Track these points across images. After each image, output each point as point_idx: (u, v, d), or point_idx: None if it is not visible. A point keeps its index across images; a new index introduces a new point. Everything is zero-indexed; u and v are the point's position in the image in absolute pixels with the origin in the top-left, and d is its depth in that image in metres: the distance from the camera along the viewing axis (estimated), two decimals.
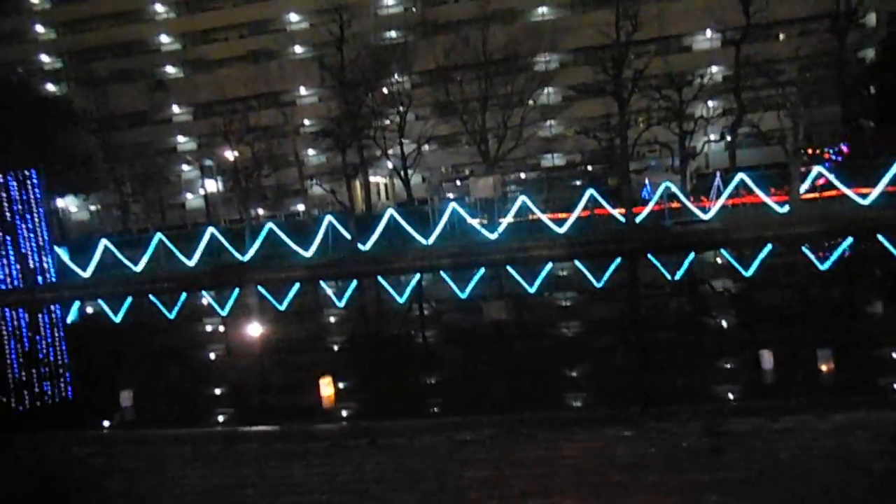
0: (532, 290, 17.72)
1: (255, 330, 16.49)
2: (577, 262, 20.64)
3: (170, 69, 61.62)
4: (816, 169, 24.03)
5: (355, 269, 23.25)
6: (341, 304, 19.21)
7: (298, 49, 61.08)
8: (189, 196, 62.29)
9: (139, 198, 54.00)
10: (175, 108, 61.79)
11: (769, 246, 19.51)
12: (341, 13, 47.34)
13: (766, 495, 4.87)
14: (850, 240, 19.41)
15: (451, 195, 57.46)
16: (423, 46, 48.87)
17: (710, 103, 47.05)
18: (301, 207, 60.75)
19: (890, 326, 10.79)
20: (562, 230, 24.52)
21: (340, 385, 9.69)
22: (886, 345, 9.43)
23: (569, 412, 7.73)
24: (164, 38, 61.67)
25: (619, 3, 45.72)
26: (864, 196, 22.76)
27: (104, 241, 27.82)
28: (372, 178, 56.33)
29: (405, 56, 47.95)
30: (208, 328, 17.84)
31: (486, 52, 38.52)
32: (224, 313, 19.48)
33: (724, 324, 12.31)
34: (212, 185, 55.59)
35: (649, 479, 5.30)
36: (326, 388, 9.09)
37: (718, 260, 19.32)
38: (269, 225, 26.99)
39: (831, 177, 22.99)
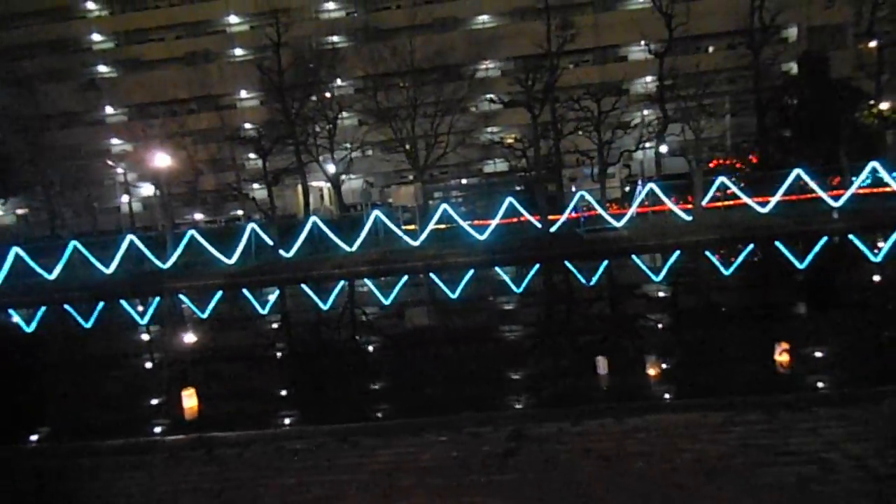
0: (420, 298, 18.27)
1: (145, 341, 16.48)
2: (485, 269, 21.24)
3: (103, 68, 59.97)
4: (720, 179, 25.29)
5: (274, 277, 23.20)
6: (247, 312, 19.19)
7: (238, 51, 60.40)
8: (124, 200, 60.74)
9: (69, 202, 52.34)
10: (109, 109, 60.16)
11: (659, 254, 20.48)
12: (278, 17, 47.16)
13: (528, 495, 5.32)
14: (742, 246, 20.49)
15: (391, 201, 57.88)
16: (361, 52, 49.06)
17: (644, 112, 48.86)
18: (240, 212, 60.05)
19: (741, 333, 11.50)
20: (482, 237, 25.07)
21: (206, 396, 9.83)
22: (713, 352, 10.06)
23: (395, 420, 8.09)
24: (96, 37, 59.99)
25: (553, 13, 47.23)
26: (764, 205, 24.06)
27: (15, 249, 26.94)
28: (315, 183, 56.19)
29: (342, 61, 48.00)
30: (103, 339, 17.55)
31: (415, 60, 38.98)
32: (128, 323, 19.21)
33: (584, 330, 12.86)
34: (149, 189, 54.44)
35: (435, 483, 5.69)
36: (188, 399, 9.25)
37: (613, 267, 20.10)
38: (191, 232, 26.66)
39: (733, 186, 24.25)
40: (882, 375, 7.88)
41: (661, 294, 15.87)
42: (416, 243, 25.49)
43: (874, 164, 23.49)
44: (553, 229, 24.94)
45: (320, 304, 18.97)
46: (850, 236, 19.95)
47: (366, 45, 49.76)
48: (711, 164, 34.45)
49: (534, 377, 9.76)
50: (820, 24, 53.55)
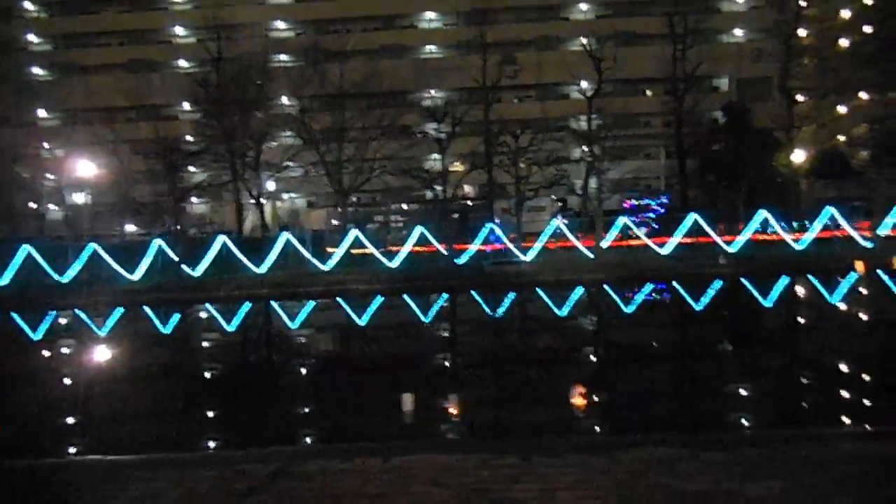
0: (291, 326, 18.28)
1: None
2: (379, 297, 21.35)
3: (38, 71, 58.48)
4: (622, 219, 26.19)
5: (175, 296, 22.77)
6: (128, 333, 18.71)
7: (183, 63, 59.74)
8: (52, 207, 58.79)
9: None
10: (42, 113, 58.55)
11: (550, 289, 20.91)
12: (219, 32, 46.99)
13: None
14: (623, 286, 20.94)
15: (335, 222, 57.68)
16: (304, 73, 49.17)
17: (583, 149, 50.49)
18: (177, 226, 58.71)
19: (548, 375, 11.56)
20: (393, 265, 25.23)
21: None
22: (513, 393, 10.10)
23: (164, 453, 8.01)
24: (32, 38, 58.55)
25: (497, 49, 48.48)
26: (663, 245, 24.99)
27: None
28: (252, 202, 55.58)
29: (285, 80, 47.92)
30: None
31: (359, 84, 39.33)
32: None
33: (408, 365, 12.73)
34: (79, 197, 52.85)
35: None
36: None
37: (491, 301, 20.44)
38: (93, 245, 25.95)
39: (634, 227, 25.16)
40: (649, 423, 8.21)
41: (504, 332, 16.12)
42: (326, 268, 25.45)
43: (764, 212, 24.69)
44: (461, 260, 25.28)
45: (160, 329, 18.62)
46: (720, 281, 20.89)
47: (312, 66, 50.10)
48: (625, 204, 35.66)
49: (338, 409, 9.70)
50: (748, 77, 56.43)
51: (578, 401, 8.74)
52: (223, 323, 19.19)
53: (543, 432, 8.22)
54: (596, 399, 9.24)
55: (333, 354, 14.38)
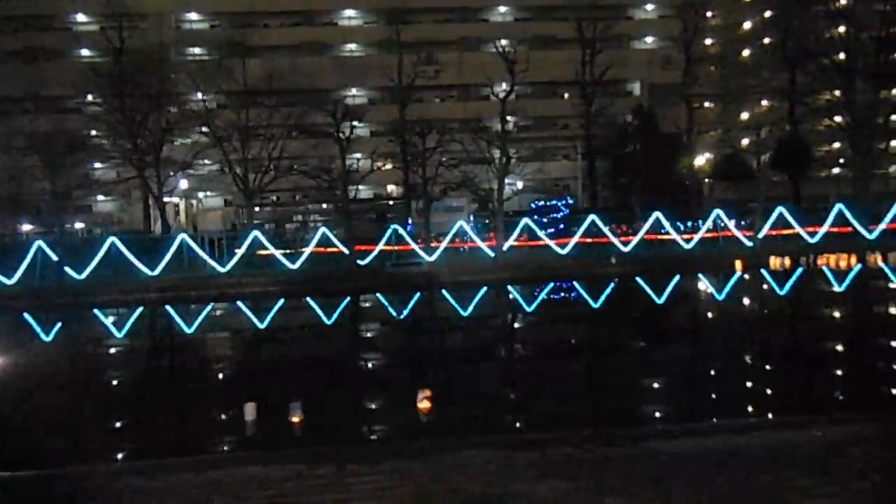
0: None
1: None
2: (272, 300, 20.96)
3: None
4: (524, 221, 26.67)
5: (52, 301, 21.42)
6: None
7: (86, 52, 56.55)
8: None
9: None
10: None
11: (446, 290, 21.08)
12: (122, 21, 44.84)
13: None
14: (517, 286, 21.42)
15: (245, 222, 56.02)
16: (219, 68, 47.46)
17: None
18: (80, 225, 55.64)
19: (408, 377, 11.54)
20: (294, 266, 24.68)
21: None
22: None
23: None
24: None
25: (419, 48, 48.44)
26: (563, 246, 25.58)
27: None
28: (169, 199, 53.18)
29: (195, 75, 46.08)
30: None
31: (248, 82, 38.24)
32: None
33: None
34: None
35: None
36: None
37: (379, 303, 20.49)
38: None
39: (536, 228, 25.66)
40: (490, 424, 8.29)
41: (363, 334, 16.09)
42: (224, 269, 24.60)
43: (657, 213, 25.69)
44: (365, 261, 25.02)
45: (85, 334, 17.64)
46: (605, 281, 21.69)
47: (218, 61, 48.42)
48: (533, 205, 36.38)
49: (166, 421, 9.29)
50: (659, 83, 58.74)
51: (424, 404, 8.69)
52: (81, 331, 18.13)
53: (384, 436, 8.15)
54: (443, 400, 9.24)
55: (175, 363, 13.71)
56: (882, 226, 25.82)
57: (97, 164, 53.30)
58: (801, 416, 7.53)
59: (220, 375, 12.35)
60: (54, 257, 23.75)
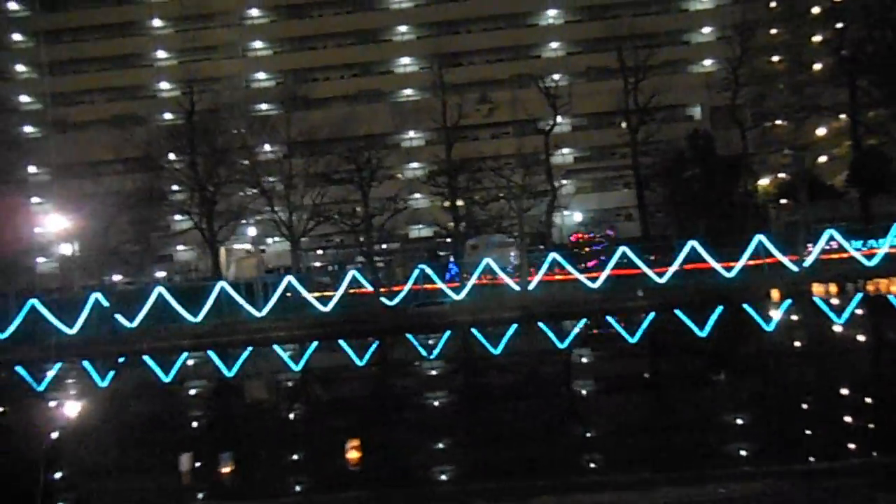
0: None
1: None
2: (295, 344, 21.55)
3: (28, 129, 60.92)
4: (551, 255, 26.10)
5: (103, 348, 23.19)
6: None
7: (168, 115, 61.59)
8: (41, 259, 60.29)
9: None
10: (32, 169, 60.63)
11: (465, 329, 20.85)
12: (192, 86, 48.50)
13: None
14: (530, 325, 20.71)
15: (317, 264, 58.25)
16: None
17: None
18: (162, 274, 59.86)
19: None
20: (326, 309, 25.36)
21: None
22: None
23: None
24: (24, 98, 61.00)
25: (471, 89, 49.33)
26: (595, 280, 24.85)
27: None
28: (238, 246, 56.42)
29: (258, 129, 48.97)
30: None
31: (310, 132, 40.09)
32: None
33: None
34: (67, 249, 54.06)
35: None
36: None
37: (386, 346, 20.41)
38: (32, 301, 26.50)
39: (563, 261, 25.07)
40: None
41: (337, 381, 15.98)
42: (259, 314, 25.65)
43: (693, 242, 24.49)
44: (393, 302, 25.34)
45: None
46: (632, 315, 20.65)
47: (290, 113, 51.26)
48: (573, 238, 35.60)
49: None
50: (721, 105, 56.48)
51: (351, 455, 8.67)
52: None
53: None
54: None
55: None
56: None
57: (177, 217, 57.70)
58: None
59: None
60: (105, 306, 25.67)
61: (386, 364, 17.91)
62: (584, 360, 16.10)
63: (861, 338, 16.00)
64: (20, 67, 60.89)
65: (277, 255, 55.27)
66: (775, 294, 21.52)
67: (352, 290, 26.61)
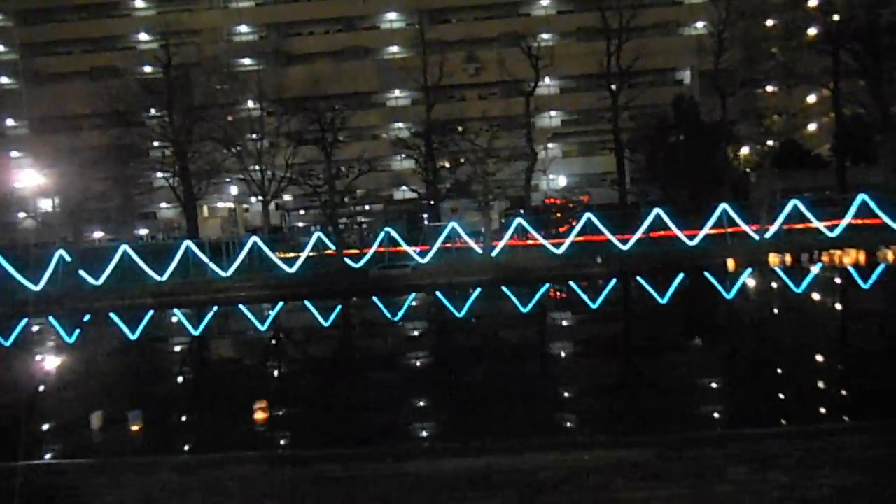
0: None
1: None
2: (245, 305, 21.61)
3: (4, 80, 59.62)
4: (517, 220, 25.99)
5: (65, 305, 23.26)
6: None
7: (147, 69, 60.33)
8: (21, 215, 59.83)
9: None
10: (10, 122, 59.63)
11: (423, 293, 20.98)
12: (167, 39, 47.36)
13: None
14: (486, 289, 20.73)
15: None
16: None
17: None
18: (144, 231, 59.61)
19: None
20: (291, 270, 25.33)
21: None
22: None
23: None
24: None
25: (457, 47, 48.15)
26: (559, 246, 24.82)
27: None
28: (221, 204, 56.02)
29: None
30: None
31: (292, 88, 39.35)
32: None
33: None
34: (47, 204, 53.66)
35: None
36: None
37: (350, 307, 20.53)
38: None
39: (529, 227, 24.96)
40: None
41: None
42: (227, 274, 25.63)
43: (658, 210, 24.40)
44: (359, 264, 25.31)
45: None
46: (583, 280, 20.64)
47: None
48: (546, 202, 35.39)
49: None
50: (709, 69, 55.64)
51: (259, 415, 8.77)
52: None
53: None
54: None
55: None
56: None
57: (159, 174, 57.13)
58: None
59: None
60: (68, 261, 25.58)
61: (333, 326, 17.96)
62: (508, 327, 16.21)
63: (778, 307, 16.15)
64: None
65: (261, 214, 55.07)
66: (730, 263, 21.56)
67: (326, 252, 26.56)
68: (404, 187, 59.82)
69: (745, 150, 42.54)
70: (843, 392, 8.77)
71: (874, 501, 5.11)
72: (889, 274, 18.77)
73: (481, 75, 57.64)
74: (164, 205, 61.48)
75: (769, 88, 52.15)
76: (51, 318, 21.93)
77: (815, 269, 20.24)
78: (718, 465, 5.87)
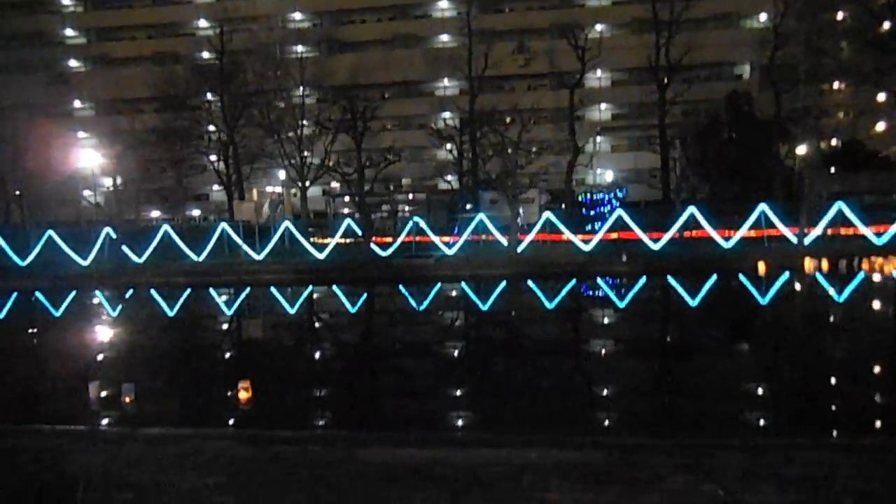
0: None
1: None
2: (272, 288, 22.14)
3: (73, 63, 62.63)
4: (546, 214, 25.60)
5: (109, 280, 24.48)
6: None
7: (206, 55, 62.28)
8: (87, 193, 63.00)
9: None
10: (77, 104, 62.65)
11: (443, 283, 20.93)
12: (222, 27, 48.72)
13: None
14: (513, 283, 20.62)
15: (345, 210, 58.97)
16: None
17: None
18: (196, 212, 61.93)
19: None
20: (321, 255, 25.83)
21: None
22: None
23: None
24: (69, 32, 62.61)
25: (509, 37, 47.59)
26: (588, 242, 24.38)
27: None
28: (269, 189, 57.54)
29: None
30: None
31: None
32: None
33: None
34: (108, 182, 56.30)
35: None
36: None
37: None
38: (49, 232, 27.89)
39: (557, 221, 24.57)
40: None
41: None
42: (259, 257, 26.36)
43: (692, 208, 23.63)
44: (387, 252, 25.57)
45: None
46: (607, 279, 20.11)
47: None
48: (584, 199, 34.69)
49: None
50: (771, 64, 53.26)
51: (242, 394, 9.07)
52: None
53: None
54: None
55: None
56: None
57: (213, 157, 59.10)
58: None
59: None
60: (115, 239, 26.88)
61: (348, 313, 18.25)
62: (515, 322, 16.03)
63: (799, 316, 15.32)
64: (66, 0, 62.21)
65: (312, 199, 56.26)
66: (761, 267, 20.65)
67: (358, 240, 26.99)
68: (449, 177, 60.15)
69: (801, 149, 40.60)
70: (834, 408, 8.37)
71: None
72: None
73: (530, 66, 56.87)
74: (216, 187, 63.66)
75: (834, 85, 49.65)
76: (97, 293, 23.12)
77: (848, 278, 19.19)
78: (660, 475, 5.73)
